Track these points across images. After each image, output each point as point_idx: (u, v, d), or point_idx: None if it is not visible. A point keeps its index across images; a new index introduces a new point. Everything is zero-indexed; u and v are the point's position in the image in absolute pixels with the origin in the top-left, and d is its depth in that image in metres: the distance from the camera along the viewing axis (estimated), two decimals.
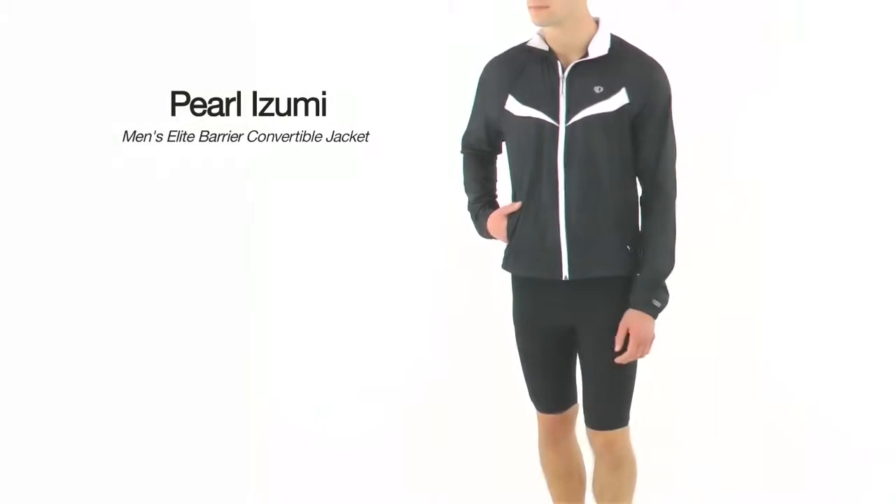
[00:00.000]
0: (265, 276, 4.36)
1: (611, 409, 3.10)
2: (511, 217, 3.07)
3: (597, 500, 3.27)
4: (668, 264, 3.02)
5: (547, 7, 2.84)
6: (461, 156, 3.25)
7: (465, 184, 3.24)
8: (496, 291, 4.44)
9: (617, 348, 3.01)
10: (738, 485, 3.88)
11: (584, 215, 2.95)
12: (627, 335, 2.99)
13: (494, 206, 3.19)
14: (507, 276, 3.16)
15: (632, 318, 2.99)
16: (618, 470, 3.19)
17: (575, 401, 3.21)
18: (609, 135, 2.93)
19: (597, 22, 2.97)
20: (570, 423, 3.24)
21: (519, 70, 3.00)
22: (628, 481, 3.23)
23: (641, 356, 3.03)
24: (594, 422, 3.13)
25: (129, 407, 4.16)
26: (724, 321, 4.25)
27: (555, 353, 3.12)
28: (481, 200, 3.19)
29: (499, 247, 3.16)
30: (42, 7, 4.15)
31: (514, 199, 3.09)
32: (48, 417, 4.12)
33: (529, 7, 2.87)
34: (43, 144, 4.19)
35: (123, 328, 4.21)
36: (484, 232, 3.17)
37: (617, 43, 2.96)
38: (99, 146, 4.18)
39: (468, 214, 3.22)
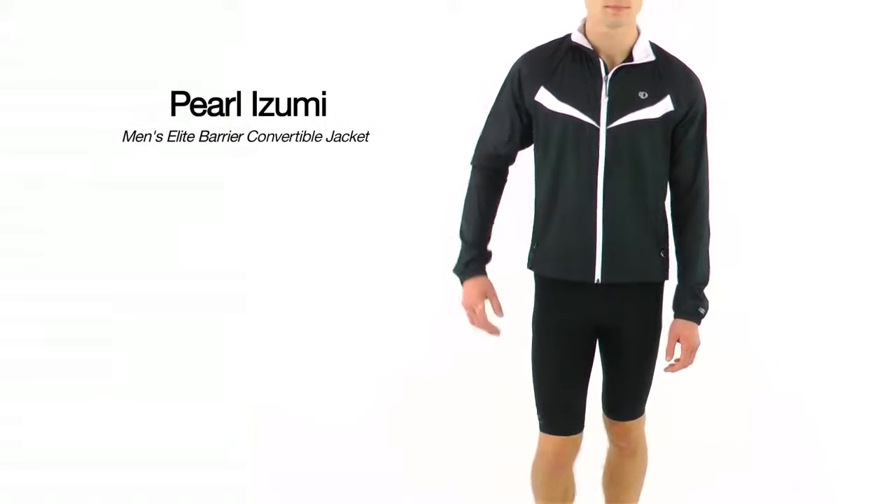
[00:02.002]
0: (264, 275, 4.34)
1: (633, 402, 3.13)
2: (538, 216, 3.00)
3: (607, 487, 3.29)
4: (708, 272, 3.04)
5: (629, 7, 2.80)
6: (470, 170, 3.09)
7: (466, 212, 3.07)
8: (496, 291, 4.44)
9: (669, 358, 3.03)
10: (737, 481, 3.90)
11: (622, 219, 2.92)
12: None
13: (485, 261, 3.05)
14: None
15: (681, 328, 3.03)
16: (632, 457, 3.23)
17: (583, 427, 3.11)
18: (652, 141, 2.90)
19: (638, 29, 2.93)
20: (577, 449, 3.13)
21: (555, 63, 2.93)
22: (640, 468, 3.26)
23: (691, 363, 3.05)
24: (615, 414, 3.15)
25: (127, 403, 4.16)
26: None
27: (576, 358, 3.04)
28: (475, 248, 3.04)
29: (499, 250, 3.13)
30: (43, 9, 4.14)
31: (539, 197, 3.00)
32: (42, 416, 4.13)
33: (607, 6, 2.79)
34: (44, 144, 4.18)
35: (120, 327, 4.20)
36: (462, 281, 3.04)
37: (657, 50, 2.94)
38: (99, 146, 4.18)
39: (459, 244, 3.04)
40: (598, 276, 2.95)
